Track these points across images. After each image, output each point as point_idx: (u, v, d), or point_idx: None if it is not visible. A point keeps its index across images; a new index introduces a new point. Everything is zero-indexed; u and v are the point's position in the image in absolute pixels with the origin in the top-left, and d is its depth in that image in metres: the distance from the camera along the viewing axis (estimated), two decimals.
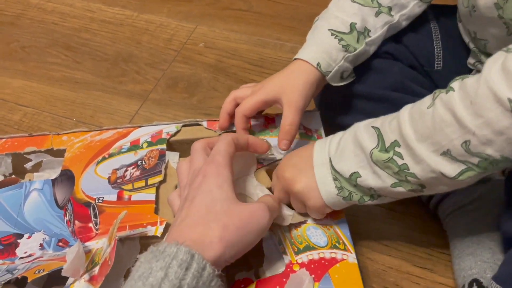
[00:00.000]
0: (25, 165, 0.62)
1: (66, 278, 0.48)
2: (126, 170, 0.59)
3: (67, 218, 0.57)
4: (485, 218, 0.57)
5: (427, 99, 0.41)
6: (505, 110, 0.35)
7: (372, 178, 0.45)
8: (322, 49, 0.56)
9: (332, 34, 0.56)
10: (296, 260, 0.49)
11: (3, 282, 0.48)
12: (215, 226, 0.40)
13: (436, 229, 0.64)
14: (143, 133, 0.62)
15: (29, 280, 0.47)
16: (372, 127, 0.45)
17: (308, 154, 0.50)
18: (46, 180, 0.60)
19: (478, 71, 0.47)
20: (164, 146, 0.60)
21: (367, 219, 0.66)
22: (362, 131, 0.46)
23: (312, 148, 0.50)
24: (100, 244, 0.52)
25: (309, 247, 0.50)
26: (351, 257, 0.50)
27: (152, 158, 0.59)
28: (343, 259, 0.49)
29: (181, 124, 0.63)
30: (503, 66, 0.35)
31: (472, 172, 0.39)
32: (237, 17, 1.03)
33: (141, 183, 0.57)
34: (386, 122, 0.44)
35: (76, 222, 0.55)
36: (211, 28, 1.01)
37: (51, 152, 0.62)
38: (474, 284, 0.53)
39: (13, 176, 0.63)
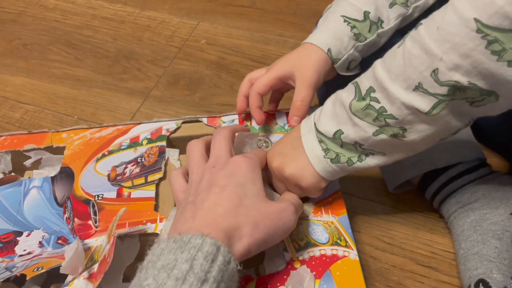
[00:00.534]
0: (24, 163, 0.62)
1: (65, 276, 0.48)
2: (125, 167, 0.58)
3: (66, 215, 0.56)
4: (490, 217, 0.56)
5: (400, 41, 0.42)
6: (471, 31, 0.35)
7: (353, 131, 0.45)
8: (334, 35, 0.55)
9: (345, 21, 0.55)
10: (297, 257, 0.49)
11: (2, 280, 0.48)
12: (246, 222, 0.40)
13: (440, 227, 0.63)
14: (143, 130, 0.62)
15: (28, 278, 0.47)
16: (351, 83, 0.46)
17: (294, 136, 0.50)
18: (45, 177, 0.60)
19: None
20: (164, 143, 0.60)
21: (369, 217, 0.66)
22: (342, 91, 0.47)
23: (297, 128, 0.51)
24: (99, 242, 0.52)
25: (310, 244, 0.50)
26: (353, 254, 0.49)
27: (151, 155, 0.59)
28: (345, 256, 0.49)
29: (181, 121, 0.62)
30: None
31: (444, 103, 0.39)
32: (239, 14, 1.02)
33: (141, 180, 0.57)
34: (363, 75, 0.45)
35: (76, 219, 0.55)
36: (213, 24, 1.00)
37: (50, 149, 0.62)
38: (480, 284, 0.52)
39: (12, 173, 0.62)
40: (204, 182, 0.44)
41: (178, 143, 0.62)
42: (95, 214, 0.55)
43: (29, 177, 0.62)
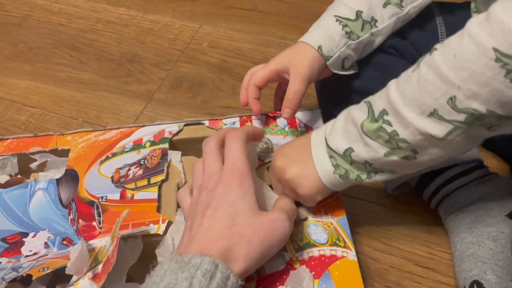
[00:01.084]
0: (30, 165, 0.63)
1: (71, 276, 0.49)
2: (129, 169, 0.59)
3: (71, 217, 0.57)
4: (485, 219, 0.57)
5: (414, 65, 0.42)
6: (489, 60, 0.34)
7: (365, 151, 0.45)
8: (325, 34, 0.57)
9: (337, 20, 0.57)
10: (297, 257, 0.49)
11: (8, 280, 0.48)
12: (240, 242, 0.41)
13: (438, 228, 0.64)
14: (146, 133, 0.63)
15: (33, 278, 0.48)
16: (364, 101, 0.46)
17: (302, 143, 0.51)
18: (50, 179, 0.61)
19: None
20: (166, 145, 0.61)
21: (368, 218, 0.67)
22: (354, 108, 0.47)
23: (308, 136, 0.51)
24: (103, 243, 0.53)
25: (310, 244, 0.50)
26: (351, 255, 0.50)
27: (154, 157, 0.60)
28: (343, 257, 0.49)
29: (183, 123, 0.63)
30: (487, 15, 0.35)
31: (460, 130, 0.39)
32: (241, 17, 1.03)
33: (144, 182, 0.58)
34: (376, 94, 0.45)
35: (80, 220, 0.56)
36: (215, 27, 1.01)
37: (55, 152, 0.63)
38: (475, 286, 0.53)
39: (18, 176, 0.63)
40: (199, 205, 0.45)
41: (181, 145, 0.63)
42: (99, 215, 0.56)
43: (34, 179, 0.63)
